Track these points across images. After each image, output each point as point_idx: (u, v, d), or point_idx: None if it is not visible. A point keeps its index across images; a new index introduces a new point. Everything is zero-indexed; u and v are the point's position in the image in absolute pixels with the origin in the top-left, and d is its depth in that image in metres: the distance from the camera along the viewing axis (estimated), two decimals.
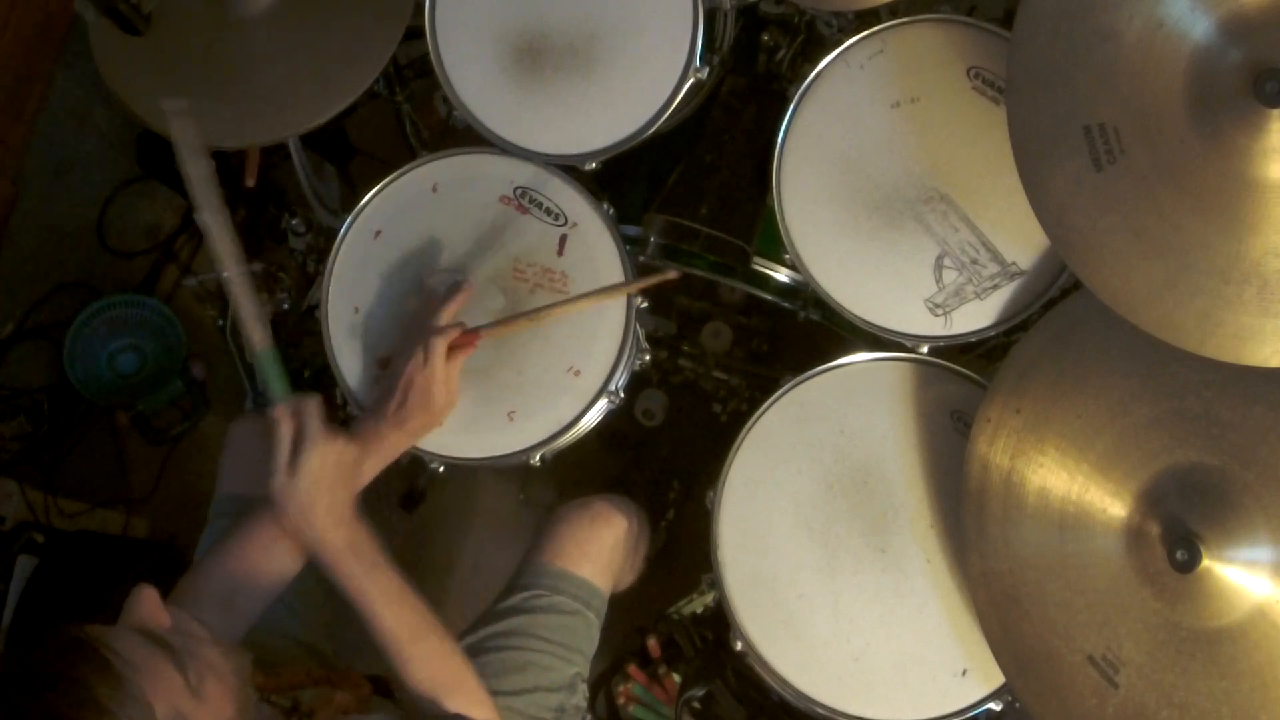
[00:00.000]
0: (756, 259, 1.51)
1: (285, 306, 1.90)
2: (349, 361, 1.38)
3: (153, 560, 1.94)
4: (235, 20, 1.45)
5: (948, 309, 1.32)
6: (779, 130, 1.37)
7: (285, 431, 1.11)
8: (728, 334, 1.77)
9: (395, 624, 1.11)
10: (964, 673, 1.27)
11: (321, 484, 1.11)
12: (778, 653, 1.30)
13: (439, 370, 1.22)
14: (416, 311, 1.30)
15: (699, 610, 1.56)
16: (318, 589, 1.41)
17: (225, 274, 1.15)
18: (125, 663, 0.82)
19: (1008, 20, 1.19)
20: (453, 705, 1.12)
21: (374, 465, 1.22)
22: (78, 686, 0.79)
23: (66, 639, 0.82)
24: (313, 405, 1.13)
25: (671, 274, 1.32)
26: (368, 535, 1.14)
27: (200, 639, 0.93)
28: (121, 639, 0.85)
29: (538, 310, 1.31)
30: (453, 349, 1.24)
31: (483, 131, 1.42)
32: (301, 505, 1.10)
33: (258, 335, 1.16)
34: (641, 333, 1.42)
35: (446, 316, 1.26)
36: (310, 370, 1.92)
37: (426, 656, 1.12)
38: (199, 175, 1.11)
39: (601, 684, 1.61)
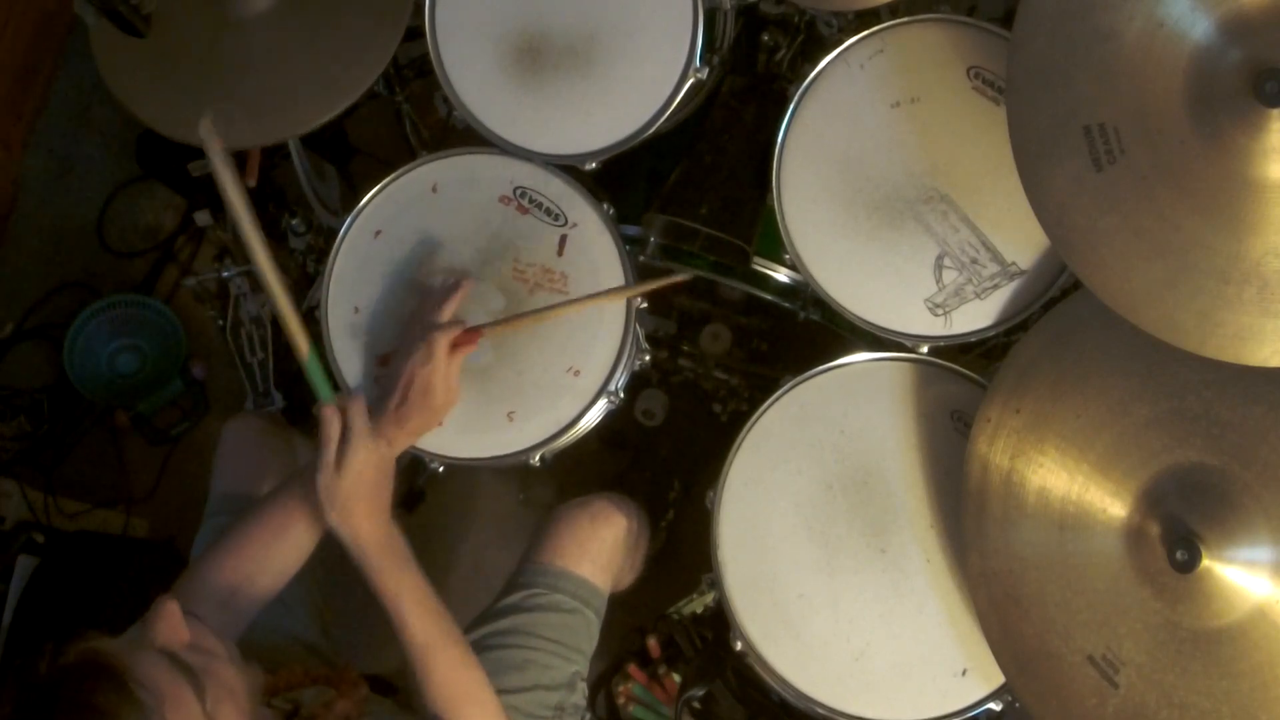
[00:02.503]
0: (756, 259, 1.51)
1: None
2: (349, 361, 1.38)
3: (153, 560, 1.94)
4: (235, 20, 1.45)
5: (948, 309, 1.32)
6: (779, 130, 1.37)
7: (332, 431, 1.13)
8: (727, 336, 1.77)
9: (422, 628, 1.12)
10: (964, 673, 1.27)
11: (364, 483, 1.13)
12: (778, 653, 1.30)
13: (441, 366, 1.22)
14: (416, 310, 1.30)
15: (699, 610, 1.56)
16: (316, 588, 1.42)
17: (266, 281, 1.17)
18: (149, 692, 0.82)
19: (1008, 20, 1.19)
20: (469, 714, 1.12)
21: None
22: (101, 716, 0.79)
23: (89, 662, 0.82)
24: (359, 405, 1.15)
25: (680, 277, 1.32)
26: (403, 540, 1.15)
27: (218, 657, 0.94)
28: (144, 664, 0.85)
29: (542, 309, 1.31)
30: (454, 346, 1.24)
31: (483, 131, 1.42)
32: (345, 503, 1.12)
33: (302, 342, 1.19)
34: (641, 333, 1.42)
35: (448, 313, 1.26)
36: None
37: (448, 664, 1.13)
38: (234, 192, 1.13)
39: (601, 684, 1.61)
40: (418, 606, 1.12)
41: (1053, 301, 1.29)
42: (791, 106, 1.37)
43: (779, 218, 1.36)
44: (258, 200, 1.84)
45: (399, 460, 1.27)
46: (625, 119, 1.38)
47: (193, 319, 2.08)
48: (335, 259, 1.41)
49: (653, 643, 1.59)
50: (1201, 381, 1.10)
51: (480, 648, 1.32)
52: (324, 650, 1.36)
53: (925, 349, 1.34)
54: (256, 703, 0.95)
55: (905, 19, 1.35)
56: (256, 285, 1.88)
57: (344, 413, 1.14)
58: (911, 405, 1.34)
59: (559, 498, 1.90)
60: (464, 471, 1.94)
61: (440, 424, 1.28)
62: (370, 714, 1.14)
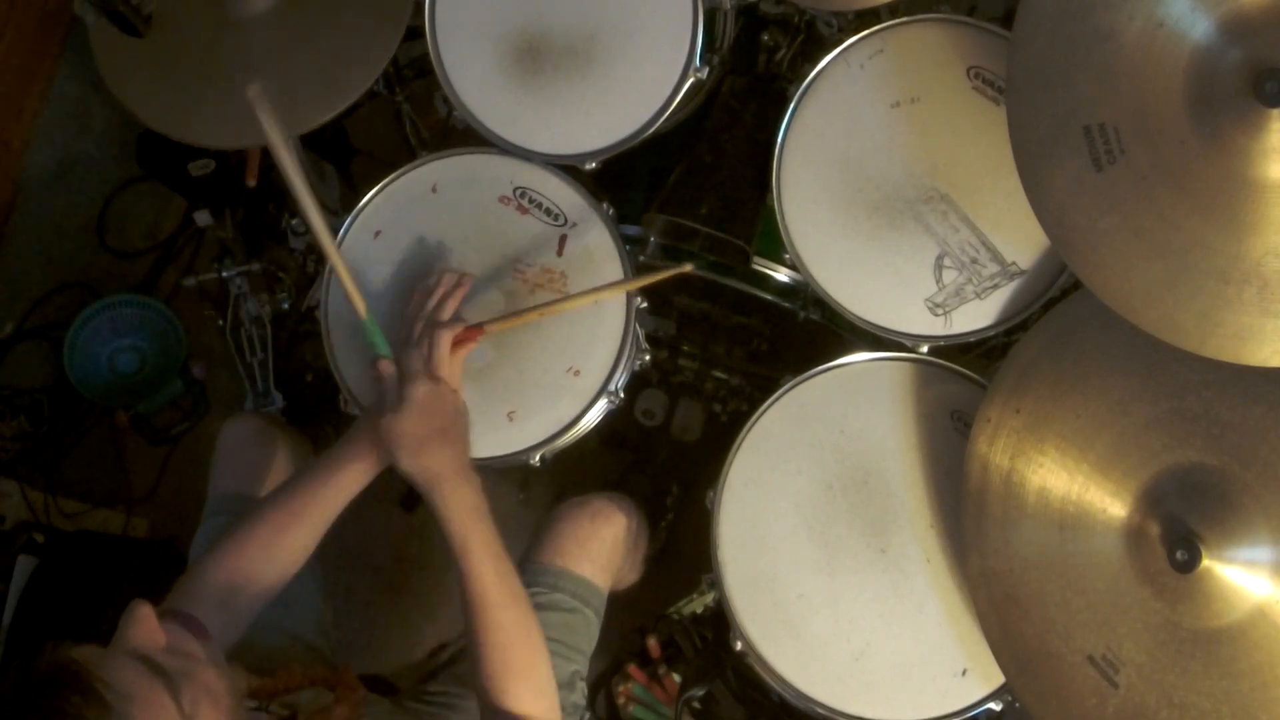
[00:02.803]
0: (756, 259, 1.51)
1: (285, 306, 1.90)
2: (349, 361, 1.38)
3: (153, 560, 1.94)
4: (235, 20, 1.45)
5: (948, 309, 1.32)
6: (779, 130, 1.37)
7: (390, 374, 1.16)
8: (699, 420, 1.80)
9: (490, 582, 1.10)
10: (964, 673, 1.27)
11: (431, 422, 1.13)
12: (778, 652, 1.30)
13: (444, 362, 1.21)
14: (416, 309, 1.30)
15: (699, 610, 1.56)
16: (315, 587, 1.42)
17: (326, 250, 1.19)
18: (117, 694, 0.81)
19: (1008, 20, 1.19)
20: (517, 694, 1.10)
21: (376, 462, 1.22)
22: (67, 718, 0.79)
23: (58, 667, 0.81)
24: (417, 353, 1.17)
25: (683, 268, 1.32)
26: (480, 490, 1.14)
27: (196, 659, 0.92)
28: (114, 667, 0.84)
29: (544, 305, 1.30)
30: (457, 343, 1.24)
31: (483, 131, 1.42)
32: (412, 442, 1.12)
33: (360, 302, 1.21)
34: (641, 333, 1.42)
35: (450, 310, 1.26)
36: (312, 373, 1.92)
37: (508, 627, 1.11)
38: (291, 166, 1.12)
39: (601, 684, 1.61)
40: (485, 559, 1.10)
41: (1053, 301, 1.29)
42: (791, 106, 1.37)
43: (779, 218, 1.36)
44: (257, 200, 1.86)
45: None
46: (625, 119, 1.38)
47: (193, 319, 2.08)
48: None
49: (653, 643, 1.59)
50: (1201, 381, 1.10)
51: None
52: (323, 650, 1.36)
53: (925, 349, 1.34)
54: (240, 704, 0.94)
55: (905, 19, 1.35)
56: (256, 285, 1.88)
57: (400, 362, 1.16)
58: (911, 405, 1.34)
59: (559, 498, 1.90)
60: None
61: None
62: (368, 716, 1.14)
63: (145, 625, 0.89)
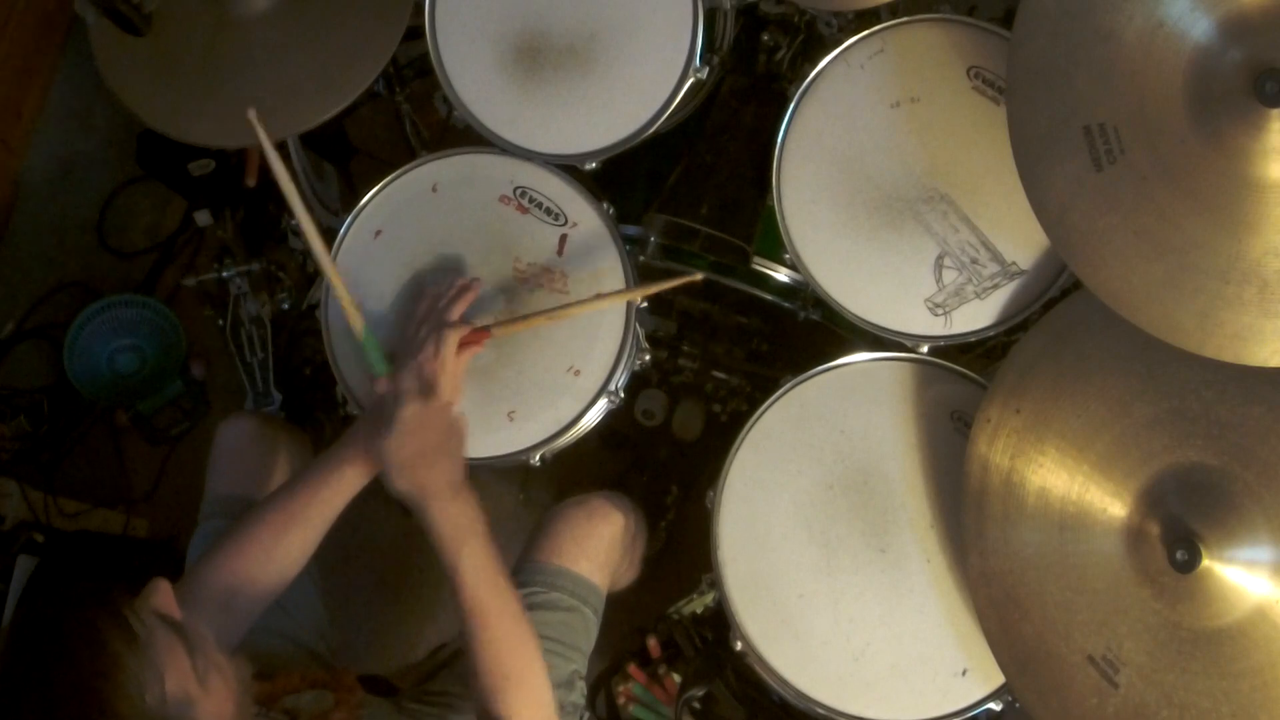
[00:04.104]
0: (756, 259, 1.51)
1: (285, 306, 1.90)
2: (349, 361, 1.38)
3: (153, 560, 1.94)
4: (235, 20, 1.45)
5: (948, 309, 1.32)
6: (779, 130, 1.37)
7: (385, 393, 1.17)
8: (700, 419, 1.81)
9: (482, 597, 1.11)
10: (964, 673, 1.27)
11: (423, 441, 1.14)
12: (778, 653, 1.30)
13: (449, 363, 1.22)
14: (418, 309, 1.30)
15: (699, 610, 1.56)
16: (315, 589, 1.42)
17: (324, 267, 1.23)
18: (146, 630, 0.83)
19: (1008, 20, 1.19)
20: (510, 699, 1.11)
21: (376, 463, 1.22)
22: (98, 636, 0.80)
23: (92, 591, 0.83)
24: (410, 373, 1.18)
25: (693, 276, 1.32)
26: (473, 505, 1.15)
27: (207, 640, 0.93)
28: (144, 610, 0.86)
29: (551, 310, 1.30)
30: (462, 345, 1.24)
31: (483, 131, 1.42)
32: (403, 461, 1.13)
33: (357, 321, 1.23)
34: (641, 333, 1.42)
35: (458, 312, 1.26)
36: (310, 367, 1.92)
37: (503, 637, 1.12)
38: (287, 180, 1.20)
39: (601, 684, 1.61)
40: (477, 576, 1.11)
41: (1053, 301, 1.29)
42: (791, 106, 1.37)
43: (779, 218, 1.36)
44: (257, 200, 1.86)
45: None
46: (625, 119, 1.38)
47: (193, 319, 2.08)
48: (335, 259, 1.41)
49: (653, 643, 1.59)
50: (1201, 381, 1.10)
51: None
52: (323, 653, 1.36)
53: (925, 349, 1.34)
54: (245, 693, 0.95)
55: (905, 19, 1.35)
56: (257, 285, 1.88)
57: (396, 380, 1.17)
58: (911, 405, 1.34)
59: (559, 498, 1.90)
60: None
61: None
62: (368, 717, 1.14)
63: (164, 598, 0.91)
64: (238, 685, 0.93)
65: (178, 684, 0.84)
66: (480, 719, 1.12)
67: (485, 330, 1.27)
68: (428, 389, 1.19)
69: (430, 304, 1.28)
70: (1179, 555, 1.05)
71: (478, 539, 1.13)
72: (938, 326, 1.32)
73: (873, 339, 1.36)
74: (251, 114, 1.16)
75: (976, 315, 1.32)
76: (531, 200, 1.39)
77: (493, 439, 1.35)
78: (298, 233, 1.80)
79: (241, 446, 1.46)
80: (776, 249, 1.41)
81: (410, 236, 1.40)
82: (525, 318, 1.30)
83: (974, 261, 1.31)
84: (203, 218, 1.85)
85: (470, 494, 1.16)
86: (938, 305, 1.32)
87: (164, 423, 2.05)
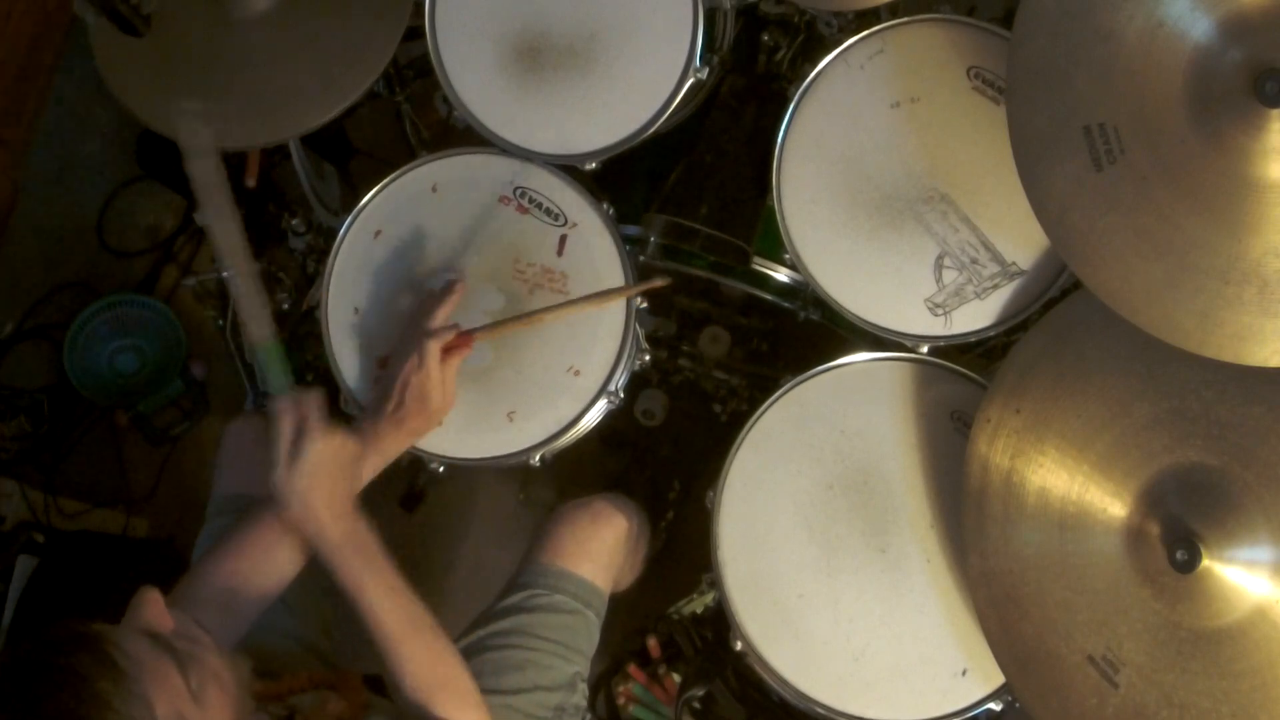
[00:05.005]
0: (756, 259, 1.51)
1: (285, 306, 1.90)
2: (349, 361, 1.38)
3: (153, 560, 1.94)
4: (235, 20, 1.45)
5: (948, 309, 1.32)
6: (779, 130, 1.37)
7: (286, 425, 1.11)
8: (725, 338, 1.75)
9: (391, 619, 1.11)
10: (964, 673, 1.27)
11: (321, 475, 1.11)
12: (778, 653, 1.30)
13: (434, 372, 1.22)
14: (414, 311, 1.30)
15: (699, 610, 1.56)
16: (316, 588, 1.41)
17: (226, 271, 1.16)
18: (130, 661, 0.82)
19: (1008, 20, 1.19)
20: (443, 704, 1.11)
21: (374, 465, 1.23)
22: (81, 680, 0.79)
23: (73, 633, 0.82)
24: (314, 399, 1.13)
25: (660, 281, 1.32)
26: (367, 531, 1.14)
27: (203, 644, 0.93)
28: (127, 638, 0.85)
29: (532, 313, 1.30)
30: (448, 351, 1.24)
31: (483, 131, 1.42)
32: (302, 497, 1.10)
33: (256, 329, 1.15)
34: (641, 333, 1.42)
35: (441, 318, 1.26)
36: (314, 373, 1.92)
37: (420, 653, 1.12)
38: (200, 176, 1.13)
39: (601, 684, 1.61)
40: (384, 598, 1.11)
41: (1053, 301, 1.29)
42: (791, 106, 1.37)
43: (779, 218, 1.36)
44: (258, 200, 1.86)
45: (399, 460, 1.28)
46: (625, 119, 1.38)
47: (193, 319, 2.08)
48: (335, 259, 1.41)
49: (653, 643, 1.59)
50: (1201, 381, 1.10)
51: (481, 648, 1.32)
52: (325, 651, 1.36)
53: (925, 349, 1.34)
54: (246, 696, 0.94)
55: (905, 19, 1.35)
56: (260, 283, 1.88)
57: (299, 406, 1.12)
58: (911, 405, 1.34)
59: (559, 498, 1.90)
60: (464, 471, 1.93)
61: (439, 424, 1.28)
62: (370, 716, 1.13)
63: (154, 609, 0.90)
64: (237, 689, 0.93)
65: (169, 709, 0.84)
66: None
67: (469, 335, 1.27)
68: (417, 399, 1.20)
69: (414, 312, 1.28)
70: (1179, 555, 1.05)
71: (379, 563, 1.13)
72: (938, 326, 1.32)
73: (873, 339, 1.36)
74: (185, 106, 1.13)
75: (976, 315, 1.32)
76: (531, 200, 1.39)
77: (493, 439, 1.35)
78: (298, 232, 1.80)
79: (248, 446, 1.46)
80: (776, 249, 1.41)
81: (410, 237, 1.40)
82: (506, 322, 1.30)
83: (974, 261, 1.31)
84: (203, 218, 1.85)
85: (362, 518, 1.14)
86: (938, 305, 1.32)
87: (164, 423, 2.05)
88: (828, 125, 1.36)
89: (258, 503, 1.15)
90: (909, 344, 1.34)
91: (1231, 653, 1.05)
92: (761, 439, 1.36)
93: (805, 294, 1.51)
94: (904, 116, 1.34)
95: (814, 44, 1.58)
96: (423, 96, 1.70)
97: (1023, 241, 1.30)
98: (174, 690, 0.85)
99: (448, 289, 1.29)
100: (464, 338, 1.26)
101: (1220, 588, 1.05)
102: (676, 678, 1.56)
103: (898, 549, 1.31)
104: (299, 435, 1.11)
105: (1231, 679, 1.05)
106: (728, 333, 1.76)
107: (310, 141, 1.76)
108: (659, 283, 1.32)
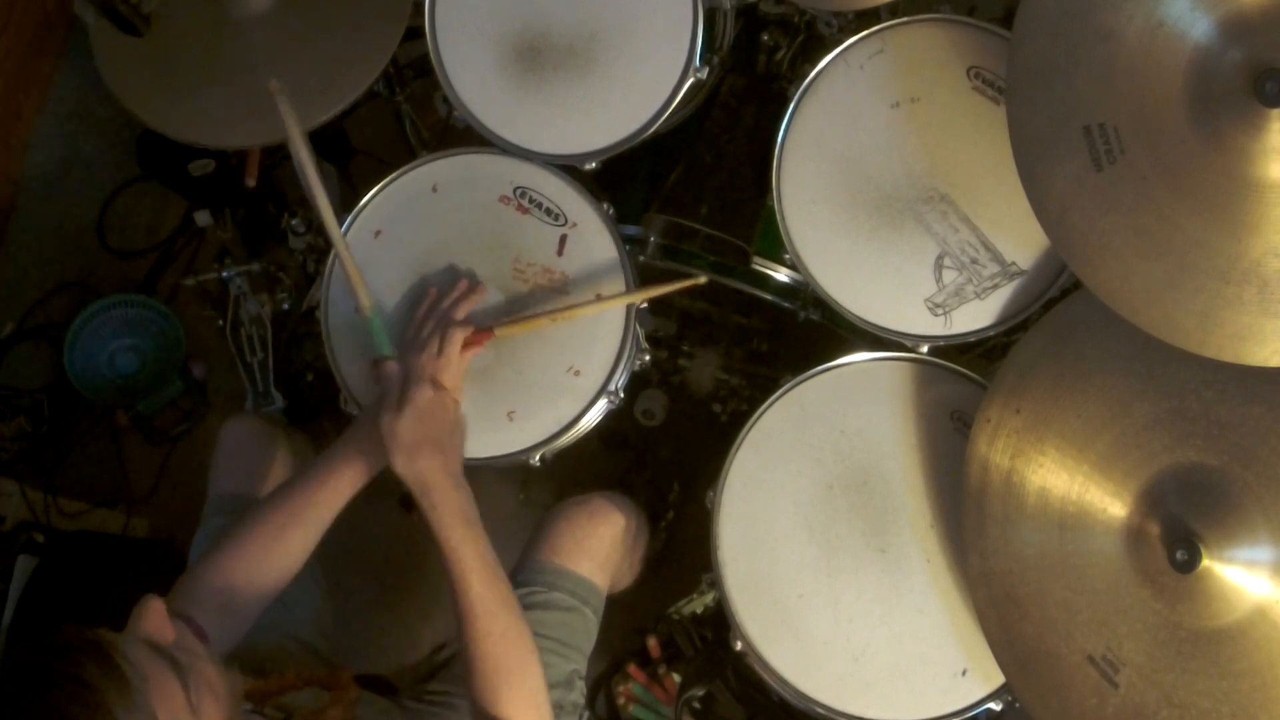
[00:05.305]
0: (756, 259, 1.51)
1: (285, 306, 1.90)
2: (349, 361, 1.38)
3: (153, 560, 1.94)
4: (235, 20, 1.45)
5: (948, 309, 1.32)
6: (779, 130, 1.37)
7: (393, 375, 1.18)
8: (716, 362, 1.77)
9: (481, 591, 1.10)
10: (964, 673, 1.27)
11: (431, 427, 1.14)
12: (778, 653, 1.30)
13: (453, 362, 1.22)
14: (419, 308, 1.30)
15: (699, 610, 1.57)
16: (316, 587, 1.42)
17: (334, 241, 1.26)
18: (135, 671, 0.82)
19: (1008, 20, 1.19)
20: (507, 697, 1.10)
21: (376, 461, 1.22)
22: (86, 688, 0.79)
23: (79, 639, 0.82)
24: (423, 356, 1.19)
25: (697, 279, 1.33)
26: (471, 498, 1.15)
27: (200, 656, 0.93)
28: (131, 647, 0.85)
29: (555, 310, 1.31)
30: (465, 345, 1.24)
31: (483, 131, 1.42)
32: (411, 445, 1.13)
33: (365, 298, 1.26)
34: (641, 333, 1.42)
35: (463, 311, 1.27)
36: (313, 373, 1.92)
37: (500, 634, 1.11)
38: (303, 152, 1.22)
39: (601, 684, 1.61)
40: (476, 568, 1.11)
41: (1053, 301, 1.29)
42: (791, 106, 1.37)
43: (779, 218, 1.36)
44: (257, 200, 1.86)
45: None
46: (625, 119, 1.38)
47: (193, 319, 2.08)
48: (335, 259, 1.41)
49: (653, 643, 1.59)
50: (1201, 381, 1.10)
51: None
52: (323, 650, 1.36)
53: (925, 349, 1.34)
54: (238, 706, 0.94)
55: (905, 19, 1.35)
56: (257, 285, 1.88)
57: (406, 363, 1.18)
58: (911, 405, 1.34)
59: (559, 498, 1.90)
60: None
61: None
62: (365, 716, 1.13)
63: (156, 618, 0.90)
64: (229, 699, 0.93)
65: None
66: (475, 716, 1.11)
67: (489, 331, 1.27)
68: (435, 384, 1.19)
69: (433, 303, 1.28)
70: (1179, 555, 1.05)
71: (477, 531, 1.13)
72: (938, 326, 1.32)
73: (873, 339, 1.36)
74: (274, 84, 1.19)
75: (976, 315, 1.32)
76: (531, 200, 1.39)
77: (493, 439, 1.35)
78: (298, 232, 1.80)
79: (245, 446, 1.47)
80: (776, 249, 1.41)
81: (410, 237, 1.40)
82: (528, 318, 1.30)
83: (974, 261, 1.31)
84: (203, 218, 1.85)
85: (469, 490, 1.16)
86: (938, 305, 1.32)
87: (164, 423, 2.05)
88: (828, 125, 1.36)
89: (255, 501, 1.15)
90: (909, 344, 1.34)
91: (1231, 653, 1.05)
92: (761, 439, 1.36)
93: (805, 294, 1.51)
94: (904, 116, 1.34)
95: (814, 44, 1.57)
96: (423, 96, 1.70)
97: (1023, 241, 1.30)
98: (175, 702, 0.85)
99: (468, 286, 1.30)
100: (482, 334, 1.27)
101: (1220, 588, 1.05)
102: (676, 678, 1.56)
103: (898, 549, 1.31)
104: (407, 385, 1.15)
105: (1231, 679, 1.05)
106: (724, 345, 1.77)
107: (310, 141, 1.76)
108: (697, 279, 1.32)
